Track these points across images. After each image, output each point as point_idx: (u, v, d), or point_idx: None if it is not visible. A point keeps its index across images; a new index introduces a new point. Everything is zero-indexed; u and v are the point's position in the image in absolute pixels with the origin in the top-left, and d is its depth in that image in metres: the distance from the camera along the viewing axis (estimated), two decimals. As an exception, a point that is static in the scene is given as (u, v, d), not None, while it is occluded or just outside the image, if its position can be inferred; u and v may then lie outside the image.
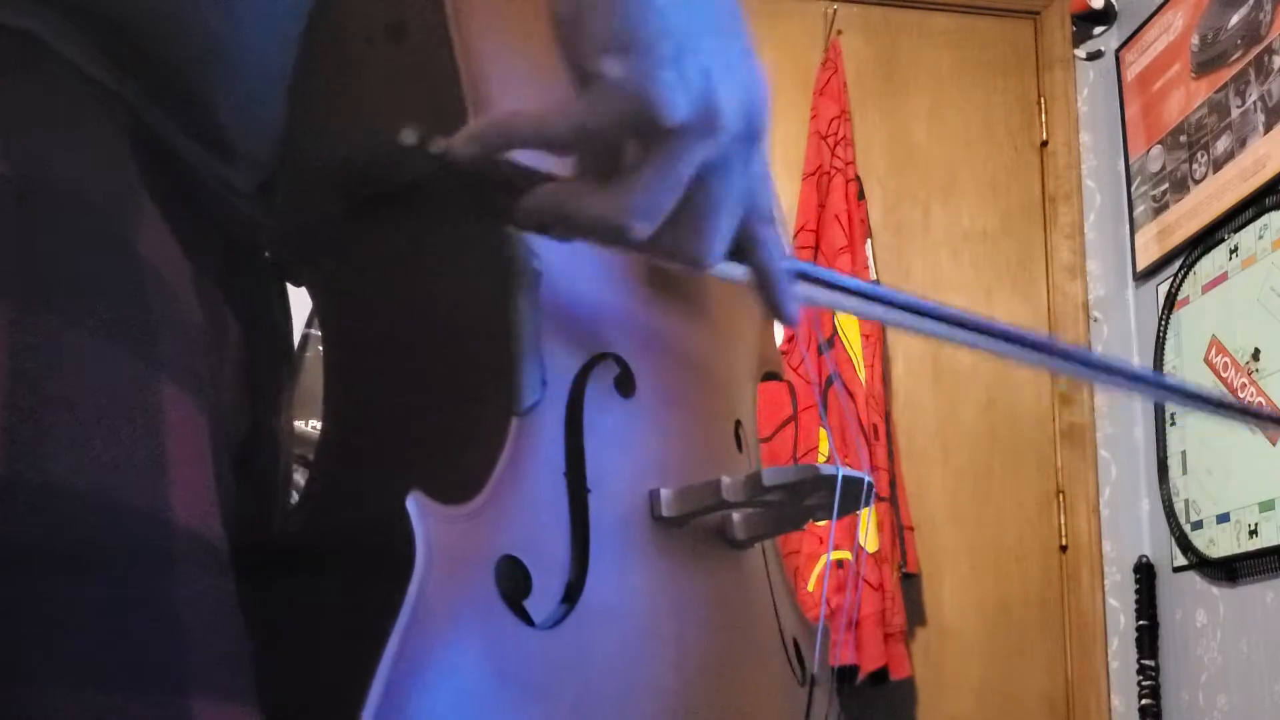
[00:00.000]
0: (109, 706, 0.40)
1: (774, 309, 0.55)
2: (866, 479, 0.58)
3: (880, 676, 2.38)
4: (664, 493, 0.57)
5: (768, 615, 0.66)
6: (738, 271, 0.54)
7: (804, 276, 0.57)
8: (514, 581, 0.51)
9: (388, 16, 0.58)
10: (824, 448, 2.41)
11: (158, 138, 0.53)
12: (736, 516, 0.62)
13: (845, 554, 2.34)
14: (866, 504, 0.59)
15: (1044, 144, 2.86)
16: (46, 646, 0.40)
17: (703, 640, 0.60)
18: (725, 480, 0.57)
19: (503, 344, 0.53)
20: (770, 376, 0.72)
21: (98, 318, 0.45)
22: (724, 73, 0.49)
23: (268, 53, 0.56)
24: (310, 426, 1.40)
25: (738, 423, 0.66)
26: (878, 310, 0.59)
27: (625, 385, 0.58)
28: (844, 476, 0.56)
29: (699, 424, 0.62)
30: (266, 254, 0.64)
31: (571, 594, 0.53)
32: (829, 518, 0.59)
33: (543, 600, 0.52)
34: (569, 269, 0.56)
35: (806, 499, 0.58)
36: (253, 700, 0.45)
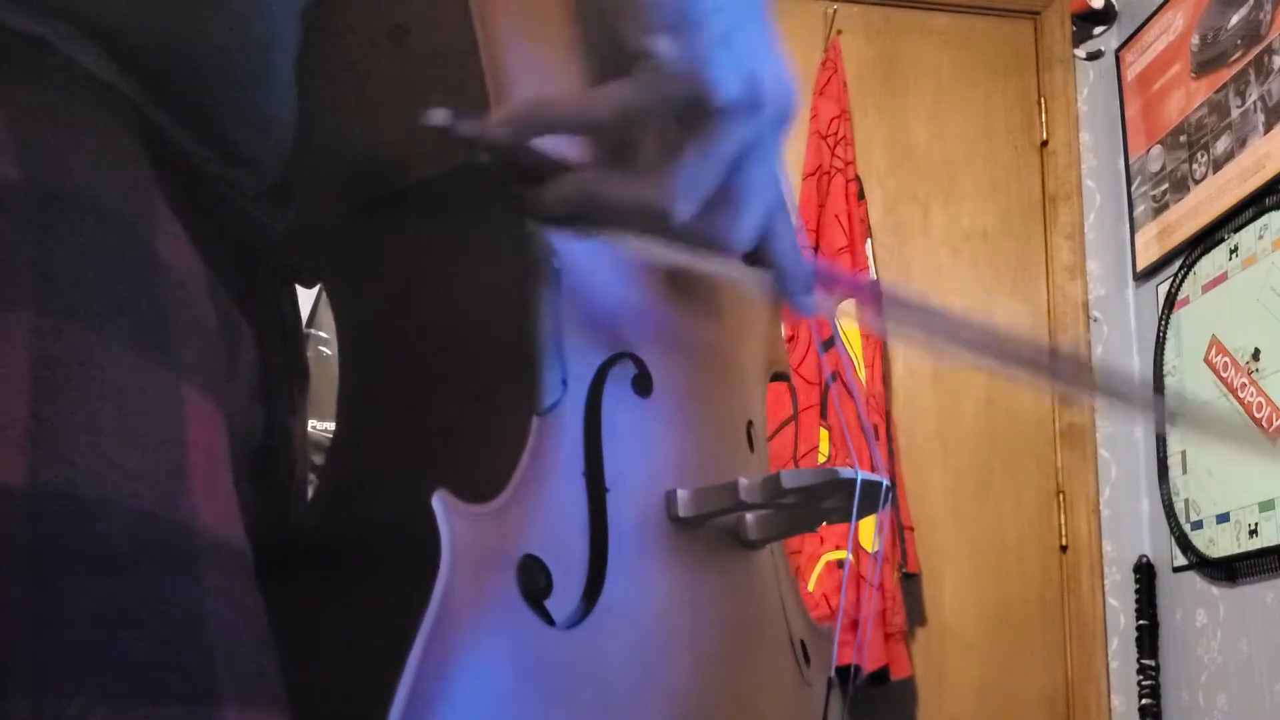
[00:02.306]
0: (138, 715, 0.40)
1: (792, 303, 0.56)
2: (885, 482, 0.58)
3: (880, 676, 2.39)
4: (681, 493, 0.58)
5: (777, 615, 0.66)
6: (749, 274, 0.55)
7: (823, 280, 0.57)
8: (535, 581, 0.51)
9: (389, 19, 0.58)
10: (824, 448, 2.42)
11: (166, 140, 0.53)
12: (750, 517, 0.62)
13: (845, 554, 2.35)
14: (884, 507, 0.59)
15: (1044, 144, 2.86)
16: (73, 656, 0.40)
17: (716, 639, 0.60)
18: (743, 482, 0.57)
19: (523, 343, 0.53)
20: (779, 377, 0.72)
21: (118, 323, 0.45)
22: (765, 53, 0.50)
23: (268, 59, 0.56)
24: (313, 428, 1.40)
25: (749, 423, 0.66)
26: (901, 320, 0.60)
27: (643, 385, 0.58)
28: (863, 480, 0.56)
29: (713, 424, 0.63)
30: (279, 256, 0.64)
31: (590, 594, 0.53)
32: (845, 520, 0.59)
33: (563, 600, 0.52)
34: (587, 268, 0.56)
35: (824, 502, 0.58)
36: (281, 703, 0.45)
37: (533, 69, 0.56)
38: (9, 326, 0.42)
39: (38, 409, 0.41)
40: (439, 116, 0.49)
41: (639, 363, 0.58)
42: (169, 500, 0.43)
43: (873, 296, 0.59)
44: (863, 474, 0.57)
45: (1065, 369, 0.63)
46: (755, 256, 0.55)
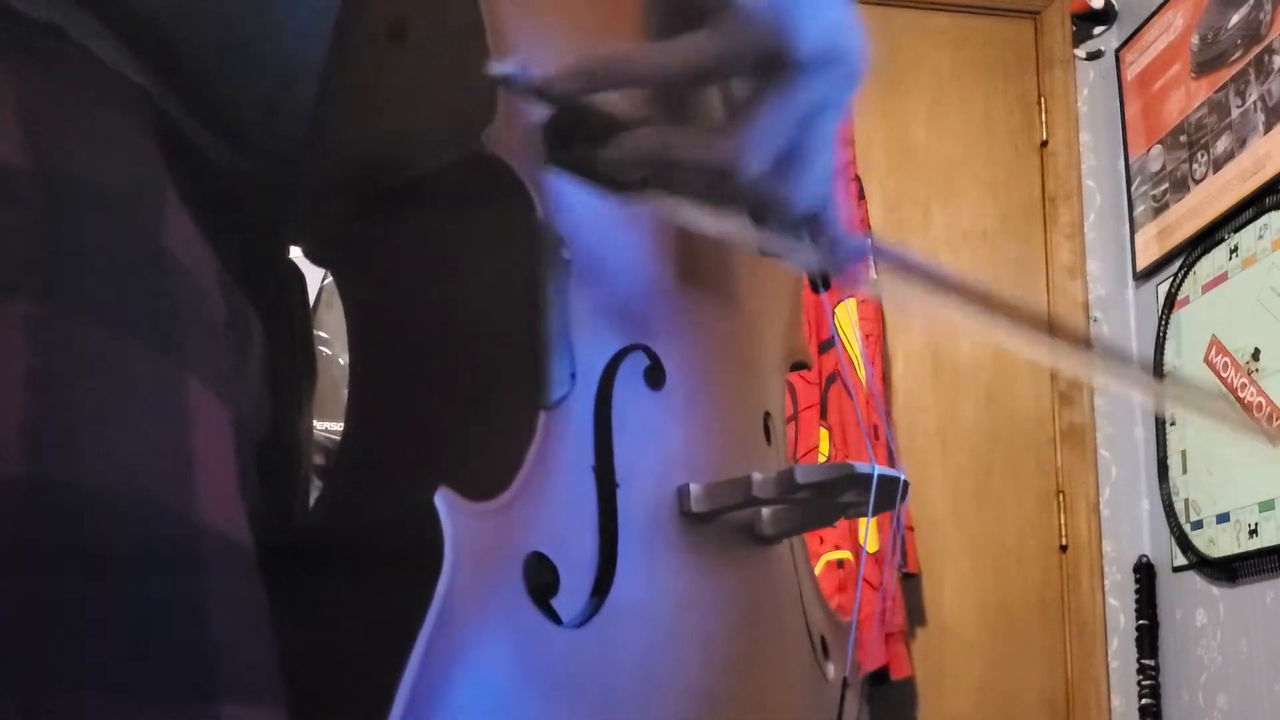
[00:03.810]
0: (135, 713, 0.39)
1: (837, 268, 0.54)
2: (902, 477, 0.57)
3: (880, 676, 2.38)
4: (693, 488, 0.56)
5: (795, 613, 0.65)
6: (793, 246, 0.53)
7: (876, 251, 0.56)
8: (541, 579, 0.50)
9: (388, 16, 0.58)
10: (824, 448, 2.41)
11: (179, 131, 0.52)
12: (765, 512, 0.61)
13: (846, 554, 2.34)
14: (902, 502, 0.58)
15: (1044, 144, 2.86)
16: (72, 652, 0.39)
17: (729, 638, 0.59)
18: (756, 477, 0.56)
19: (530, 335, 0.52)
20: (799, 366, 0.71)
21: (122, 314, 0.44)
22: (843, 7, 0.50)
23: (294, 50, 0.55)
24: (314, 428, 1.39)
25: (767, 414, 0.65)
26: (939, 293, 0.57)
27: (655, 377, 0.57)
28: (880, 475, 0.56)
29: (728, 416, 0.62)
30: (295, 249, 0.63)
31: (599, 591, 0.52)
32: (861, 515, 0.58)
33: (570, 598, 0.51)
34: (598, 259, 0.55)
35: (839, 497, 0.57)
36: (281, 701, 0.45)
37: (545, 55, 0.55)
38: (12, 316, 0.41)
39: (40, 400, 0.40)
40: (503, 67, 0.47)
41: (651, 354, 0.57)
42: (172, 495, 0.43)
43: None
44: (879, 469, 0.56)
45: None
46: (808, 225, 0.53)
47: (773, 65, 0.48)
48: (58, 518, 0.40)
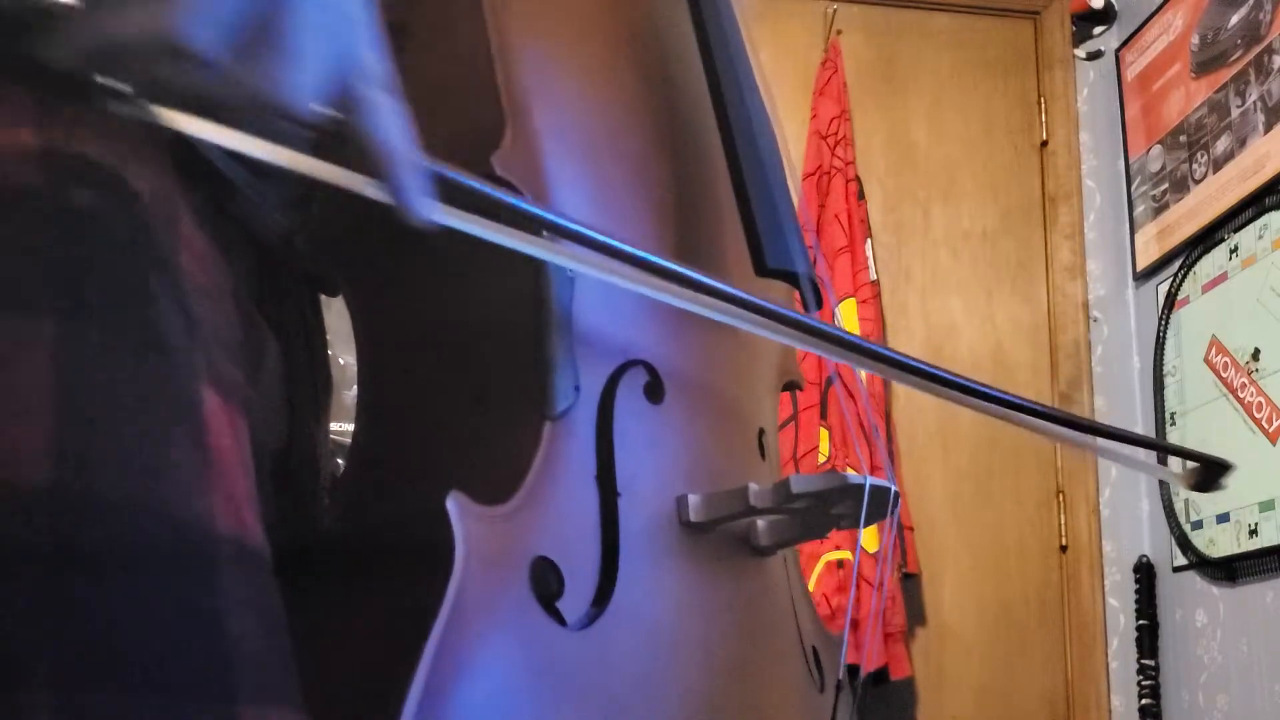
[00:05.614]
0: (156, 713, 0.40)
1: (393, 193, 0.46)
2: (893, 488, 0.59)
3: (880, 676, 2.39)
4: (692, 498, 0.58)
5: (788, 621, 0.66)
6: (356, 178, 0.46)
7: (441, 181, 0.48)
8: (547, 583, 0.51)
9: (390, 18, 0.58)
10: (824, 448, 2.42)
11: (192, 148, 0.53)
12: (761, 523, 0.62)
13: (846, 554, 2.35)
14: (893, 513, 0.60)
15: (1044, 144, 2.87)
16: (93, 653, 0.40)
17: (726, 643, 0.60)
18: (753, 487, 0.57)
19: (537, 349, 0.54)
20: (790, 386, 0.72)
21: (140, 329, 0.45)
22: None
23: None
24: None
25: (761, 430, 0.66)
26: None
27: (655, 392, 0.58)
28: (871, 485, 0.57)
29: (724, 431, 0.63)
30: (302, 265, 0.64)
31: (602, 596, 0.54)
32: (855, 525, 0.59)
33: (574, 601, 0.52)
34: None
35: (833, 507, 0.59)
36: (297, 702, 0.46)
37: (551, 73, 0.56)
38: (34, 331, 0.43)
39: (61, 412, 0.42)
40: None
41: (651, 370, 0.58)
42: (188, 502, 0.44)
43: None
44: (871, 480, 0.57)
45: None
46: (347, 139, 0.46)
47: None
48: (78, 525, 0.41)
